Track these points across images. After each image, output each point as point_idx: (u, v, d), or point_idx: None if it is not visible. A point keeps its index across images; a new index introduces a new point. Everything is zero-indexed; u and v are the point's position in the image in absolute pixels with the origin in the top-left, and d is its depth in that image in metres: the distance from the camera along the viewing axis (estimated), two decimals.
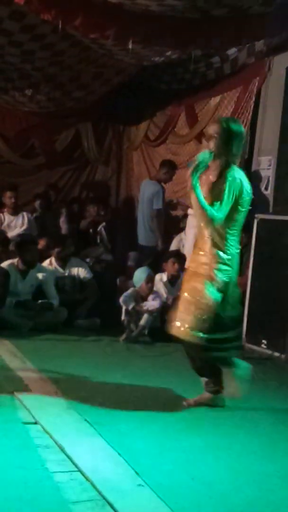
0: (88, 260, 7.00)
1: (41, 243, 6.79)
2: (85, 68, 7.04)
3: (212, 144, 3.56)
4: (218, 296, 3.48)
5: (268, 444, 3.17)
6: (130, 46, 5.35)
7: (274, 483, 2.67)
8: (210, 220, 3.46)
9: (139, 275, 5.99)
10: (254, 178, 6.40)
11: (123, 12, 5.14)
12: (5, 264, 6.03)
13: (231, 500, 2.46)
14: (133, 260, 7.30)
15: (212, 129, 3.60)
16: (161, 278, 6.19)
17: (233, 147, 3.56)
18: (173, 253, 6.38)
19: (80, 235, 7.73)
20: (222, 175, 3.54)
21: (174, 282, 6.07)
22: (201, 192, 3.48)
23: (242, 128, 3.71)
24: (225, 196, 3.45)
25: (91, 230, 7.80)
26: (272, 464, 2.89)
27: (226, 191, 3.45)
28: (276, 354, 5.25)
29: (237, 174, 3.54)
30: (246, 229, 5.98)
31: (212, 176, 3.58)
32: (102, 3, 5.09)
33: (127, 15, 5.17)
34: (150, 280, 5.92)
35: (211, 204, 3.47)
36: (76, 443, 2.92)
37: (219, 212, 3.45)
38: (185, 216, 6.94)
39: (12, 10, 5.52)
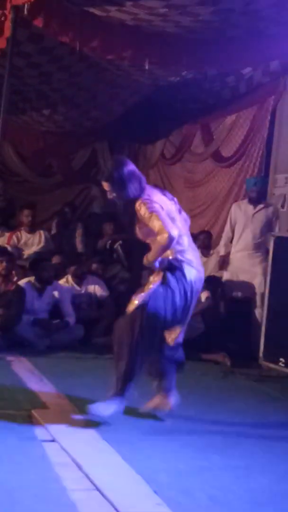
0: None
1: (56, 259, 6.85)
2: (102, 89, 7.13)
3: (113, 196, 3.60)
4: None
5: (286, 463, 3.14)
6: (146, 67, 5.42)
7: None
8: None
9: None
10: (271, 196, 6.42)
11: (140, 33, 5.24)
12: (22, 282, 6.08)
13: None
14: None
15: (105, 186, 3.62)
16: None
17: (130, 187, 3.54)
18: None
19: (96, 253, 7.78)
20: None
21: None
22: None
23: (124, 168, 3.58)
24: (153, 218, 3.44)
25: (108, 248, 7.83)
26: None
27: (150, 215, 3.45)
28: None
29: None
30: (263, 247, 6.02)
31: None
32: (119, 25, 5.18)
33: (143, 36, 5.25)
34: None
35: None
36: (94, 461, 2.92)
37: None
38: (201, 233, 6.95)
39: (31, 33, 5.63)
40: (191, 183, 8.01)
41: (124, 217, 3.84)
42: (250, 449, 3.30)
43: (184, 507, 2.47)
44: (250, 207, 6.09)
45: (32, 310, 6.01)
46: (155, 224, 3.45)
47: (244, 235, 6.08)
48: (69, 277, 6.54)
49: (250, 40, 5.27)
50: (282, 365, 5.36)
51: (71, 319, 6.12)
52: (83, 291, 6.51)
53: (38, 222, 7.86)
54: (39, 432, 3.30)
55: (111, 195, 3.62)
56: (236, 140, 7.07)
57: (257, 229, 6.03)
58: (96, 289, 6.55)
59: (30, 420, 3.48)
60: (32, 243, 7.36)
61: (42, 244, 7.38)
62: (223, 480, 2.82)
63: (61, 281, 6.47)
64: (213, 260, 6.62)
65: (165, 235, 3.40)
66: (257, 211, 6.04)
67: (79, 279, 6.53)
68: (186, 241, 3.65)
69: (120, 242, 7.84)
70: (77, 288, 6.50)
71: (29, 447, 3.07)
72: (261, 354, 5.55)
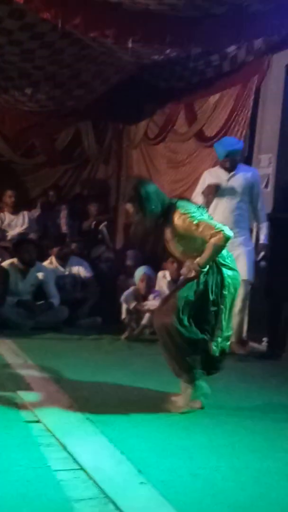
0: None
1: (32, 236, 6.87)
2: (85, 67, 7.04)
3: (138, 216, 3.58)
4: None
5: (269, 441, 3.18)
6: (130, 45, 5.35)
7: (276, 480, 2.68)
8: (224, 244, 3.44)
9: (137, 274, 6.00)
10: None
11: (123, 11, 5.15)
12: (5, 263, 6.06)
13: (233, 498, 2.47)
14: (131, 258, 7.31)
15: (128, 208, 3.63)
16: (164, 275, 6.17)
17: (154, 203, 3.52)
18: None
19: (81, 234, 7.76)
20: (167, 221, 3.53)
21: (177, 281, 6.03)
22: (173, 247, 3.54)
23: (146, 185, 3.60)
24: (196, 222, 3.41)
25: (92, 228, 7.82)
26: (274, 461, 2.90)
27: (192, 221, 3.41)
28: (277, 351, 5.26)
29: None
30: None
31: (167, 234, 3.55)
32: (101, 2, 5.10)
33: (126, 14, 5.17)
34: (145, 278, 5.89)
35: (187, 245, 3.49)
36: (79, 441, 2.93)
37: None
38: None
39: (11, 9, 5.53)
40: (174, 163, 7.97)
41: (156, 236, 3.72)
42: (234, 428, 3.33)
43: (168, 485, 2.49)
44: (225, 172, 5.19)
45: (16, 292, 6.00)
46: (205, 229, 3.39)
47: (218, 207, 5.10)
48: (53, 258, 6.52)
49: (234, 18, 5.22)
50: (265, 344, 5.41)
51: (55, 300, 6.12)
52: (67, 272, 6.50)
53: (21, 203, 7.80)
54: (24, 413, 3.31)
55: (136, 216, 3.58)
56: (219, 120, 7.03)
57: (234, 198, 5.11)
58: (80, 270, 6.55)
59: (14, 401, 3.48)
60: (15, 224, 7.32)
61: (25, 225, 7.34)
62: (207, 459, 2.85)
63: (45, 263, 6.45)
64: None
65: (221, 235, 3.37)
66: (233, 175, 5.14)
67: (63, 260, 6.51)
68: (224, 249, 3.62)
69: (105, 223, 7.82)
70: (61, 269, 6.48)
71: (13, 428, 3.07)
72: (245, 334, 5.60)
